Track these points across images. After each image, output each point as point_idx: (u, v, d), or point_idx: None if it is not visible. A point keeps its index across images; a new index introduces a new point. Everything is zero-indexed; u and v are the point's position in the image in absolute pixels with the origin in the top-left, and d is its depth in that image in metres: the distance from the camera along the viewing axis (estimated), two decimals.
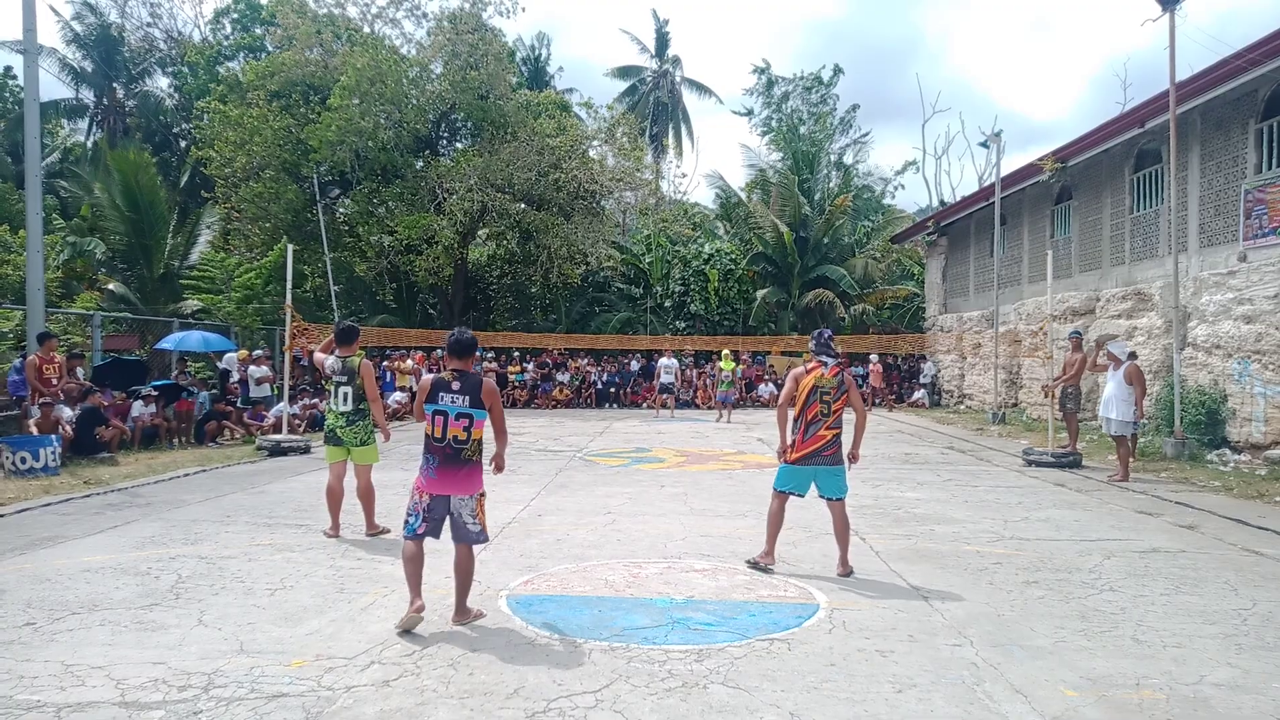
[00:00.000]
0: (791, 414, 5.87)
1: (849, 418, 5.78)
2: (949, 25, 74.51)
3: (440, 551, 5.35)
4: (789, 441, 5.85)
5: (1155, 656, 4.24)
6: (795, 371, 5.95)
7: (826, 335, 5.93)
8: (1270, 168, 12.13)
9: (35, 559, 6.01)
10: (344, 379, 6.64)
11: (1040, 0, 70.66)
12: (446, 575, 5.33)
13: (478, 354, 5.63)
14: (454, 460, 4.64)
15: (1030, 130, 64.50)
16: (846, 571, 5.74)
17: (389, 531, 6.84)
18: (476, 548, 4.87)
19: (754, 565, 5.85)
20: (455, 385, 4.65)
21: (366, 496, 6.84)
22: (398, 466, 10.57)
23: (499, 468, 4.94)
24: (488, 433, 4.76)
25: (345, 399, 6.65)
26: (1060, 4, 69.49)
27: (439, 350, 23.20)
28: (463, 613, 4.70)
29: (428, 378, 4.79)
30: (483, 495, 4.78)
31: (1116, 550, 6.53)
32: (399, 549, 4.94)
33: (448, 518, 4.73)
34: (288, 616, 4.75)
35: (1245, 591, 5.41)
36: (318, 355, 6.99)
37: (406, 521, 4.75)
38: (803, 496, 5.89)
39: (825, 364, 5.79)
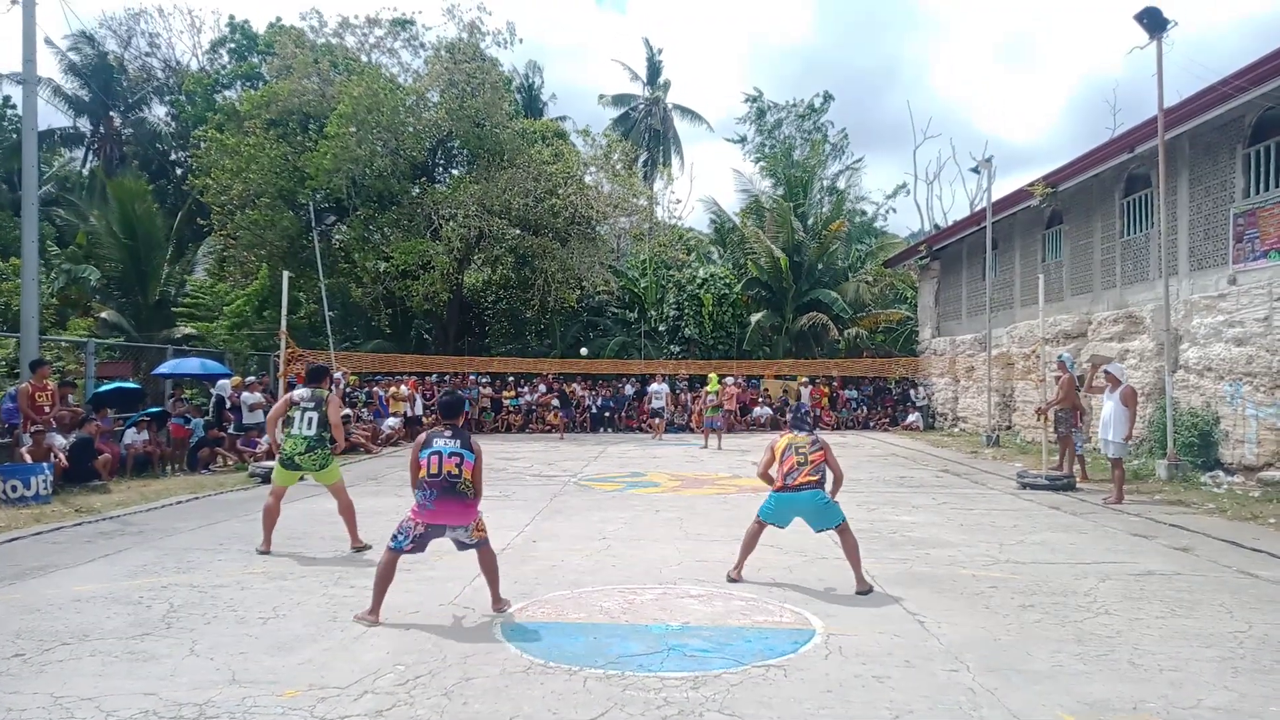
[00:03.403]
0: (773, 471, 6.32)
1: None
2: (925, 54, 75.16)
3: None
4: (774, 484, 6.26)
5: (1152, 680, 4.24)
6: (771, 440, 6.55)
7: (804, 410, 6.89)
8: (1259, 191, 12.27)
9: (24, 589, 5.96)
10: (311, 405, 7.18)
11: (1015, 28, 71.71)
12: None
13: (465, 411, 6.29)
14: (450, 492, 5.02)
15: (1011, 155, 65.08)
16: (865, 589, 5.91)
17: (371, 547, 7.13)
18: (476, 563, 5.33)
19: (731, 580, 6.22)
20: (448, 434, 5.22)
21: (347, 512, 7.27)
22: (392, 493, 10.52)
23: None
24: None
25: (310, 424, 7.13)
26: (1037, 31, 70.55)
27: (432, 376, 23.19)
28: (498, 600, 5.32)
29: (422, 435, 5.30)
30: (479, 523, 5.20)
31: (1112, 573, 6.53)
32: None
33: (438, 538, 5.18)
34: (280, 645, 4.71)
35: (1241, 614, 5.41)
36: (281, 401, 7.50)
37: (395, 536, 5.10)
38: (782, 528, 6.27)
39: (798, 434, 6.29)
